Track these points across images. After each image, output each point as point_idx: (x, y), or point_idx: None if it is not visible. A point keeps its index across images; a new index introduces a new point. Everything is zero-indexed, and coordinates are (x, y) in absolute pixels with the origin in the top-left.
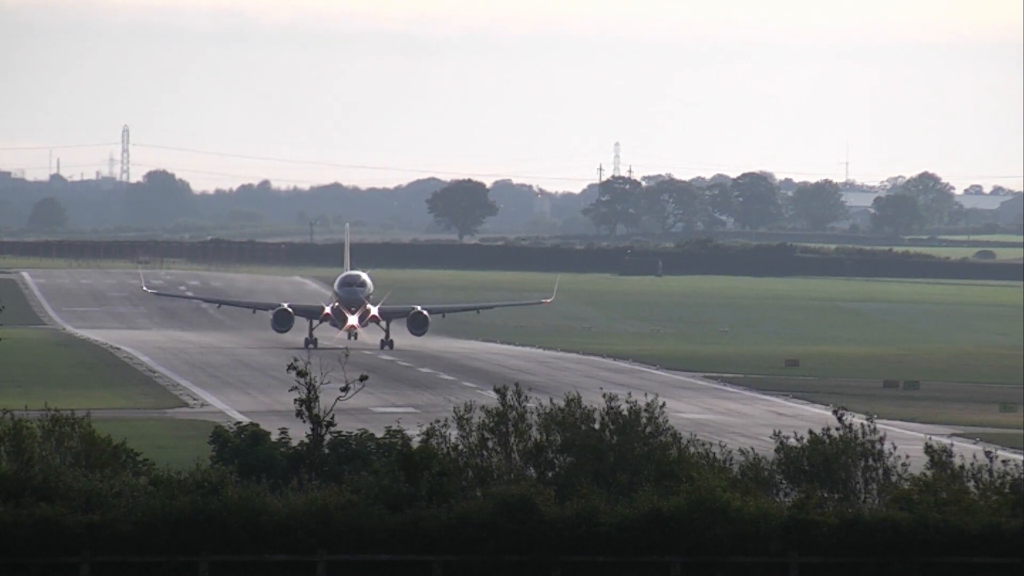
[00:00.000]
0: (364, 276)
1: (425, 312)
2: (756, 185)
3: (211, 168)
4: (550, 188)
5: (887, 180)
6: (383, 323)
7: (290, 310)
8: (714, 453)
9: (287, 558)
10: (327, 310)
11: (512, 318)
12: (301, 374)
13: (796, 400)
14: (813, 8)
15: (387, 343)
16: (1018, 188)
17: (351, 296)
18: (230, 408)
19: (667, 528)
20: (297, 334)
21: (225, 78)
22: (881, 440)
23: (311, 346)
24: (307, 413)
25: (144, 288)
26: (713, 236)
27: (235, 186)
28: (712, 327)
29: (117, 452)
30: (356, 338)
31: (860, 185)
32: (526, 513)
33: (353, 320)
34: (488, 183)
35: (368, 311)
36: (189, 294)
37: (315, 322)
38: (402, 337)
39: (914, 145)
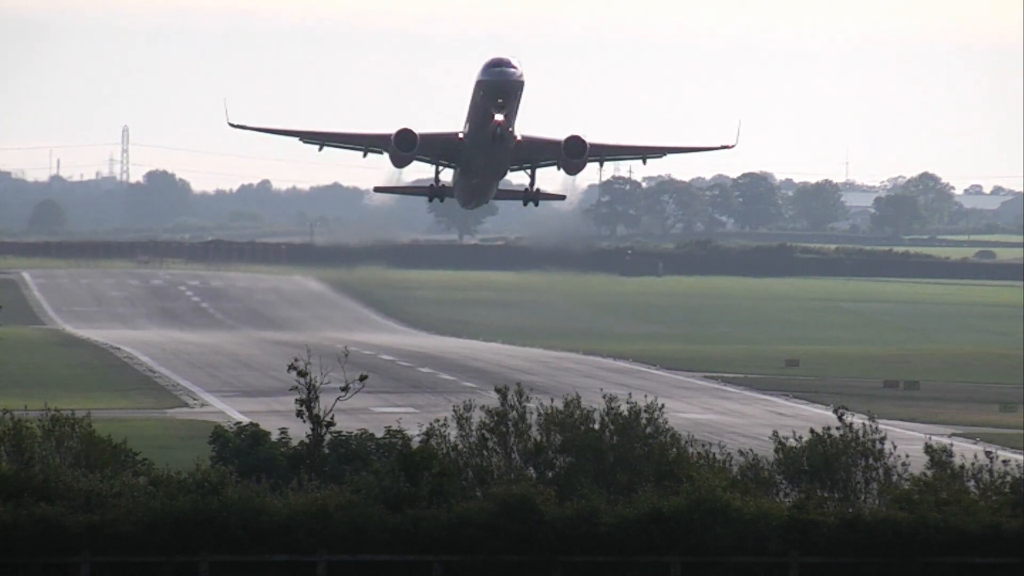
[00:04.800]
0: (515, 60)
1: (585, 139)
2: (756, 185)
3: (211, 168)
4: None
5: (887, 180)
6: (527, 168)
7: (414, 132)
8: (714, 453)
9: (287, 558)
10: (461, 135)
11: (511, 319)
12: (301, 374)
13: (796, 400)
14: (813, 9)
15: (532, 196)
16: (1018, 188)
17: (501, 78)
18: (230, 408)
19: (667, 528)
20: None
21: (226, 78)
22: (882, 440)
23: (437, 199)
24: (307, 413)
25: (228, 121)
26: (713, 236)
27: (235, 186)
28: (712, 327)
29: (117, 452)
30: (489, 196)
31: (860, 185)
32: (526, 513)
33: (500, 117)
34: None
35: (513, 133)
36: (279, 127)
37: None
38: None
39: (914, 145)
